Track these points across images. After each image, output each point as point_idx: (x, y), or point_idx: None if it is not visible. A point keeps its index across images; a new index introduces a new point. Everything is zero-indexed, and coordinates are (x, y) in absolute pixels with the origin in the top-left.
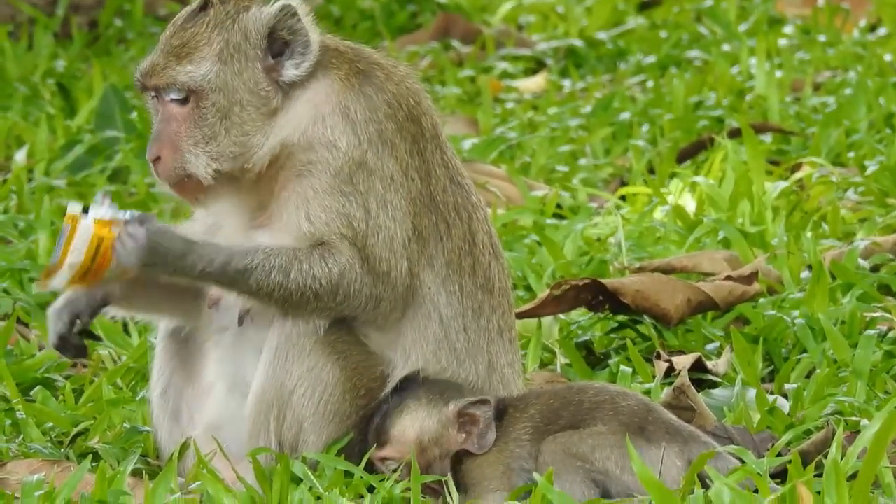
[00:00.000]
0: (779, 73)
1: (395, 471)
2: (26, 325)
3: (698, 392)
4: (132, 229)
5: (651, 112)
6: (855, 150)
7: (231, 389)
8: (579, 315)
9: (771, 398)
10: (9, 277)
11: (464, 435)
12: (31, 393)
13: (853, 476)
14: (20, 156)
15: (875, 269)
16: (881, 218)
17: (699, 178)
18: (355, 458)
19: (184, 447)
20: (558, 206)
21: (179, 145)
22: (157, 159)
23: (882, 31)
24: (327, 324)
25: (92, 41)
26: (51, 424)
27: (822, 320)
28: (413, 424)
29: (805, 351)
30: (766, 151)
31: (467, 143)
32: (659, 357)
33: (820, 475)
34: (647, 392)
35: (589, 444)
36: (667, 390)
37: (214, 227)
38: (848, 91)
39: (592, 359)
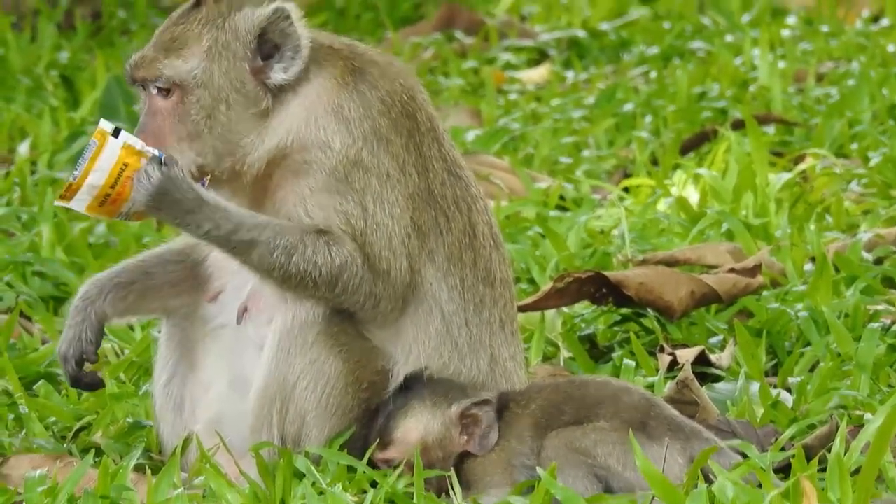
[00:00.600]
0: (782, 64)
1: (397, 467)
2: (29, 319)
3: (702, 386)
4: (150, 168)
5: (654, 103)
6: (858, 141)
7: (231, 386)
8: (583, 308)
9: (774, 392)
10: (12, 270)
11: (466, 436)
12: (34, 387)
13: (857, 471)
14: (23, 148)
15: (879, 261)
16: (885, 210)
17: (702, 170)
18: (357, 452)
19: (186, 442)
20: (561, 197)
21: (164, 139)
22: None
23: (885, 22)
24: (329, 315)
25: (95, 32)
26: (54, 419)
27: (825, 313)
28: (417, 427)
29: (808, 344)
30: (770, 143)
31: (471, 135)
32: (662, 350)
33: (824, 470)
34: (651, 386)
35: (591, 440)
36: (670, 384)
37: None
38: (851, 82)
39: (596, 352)
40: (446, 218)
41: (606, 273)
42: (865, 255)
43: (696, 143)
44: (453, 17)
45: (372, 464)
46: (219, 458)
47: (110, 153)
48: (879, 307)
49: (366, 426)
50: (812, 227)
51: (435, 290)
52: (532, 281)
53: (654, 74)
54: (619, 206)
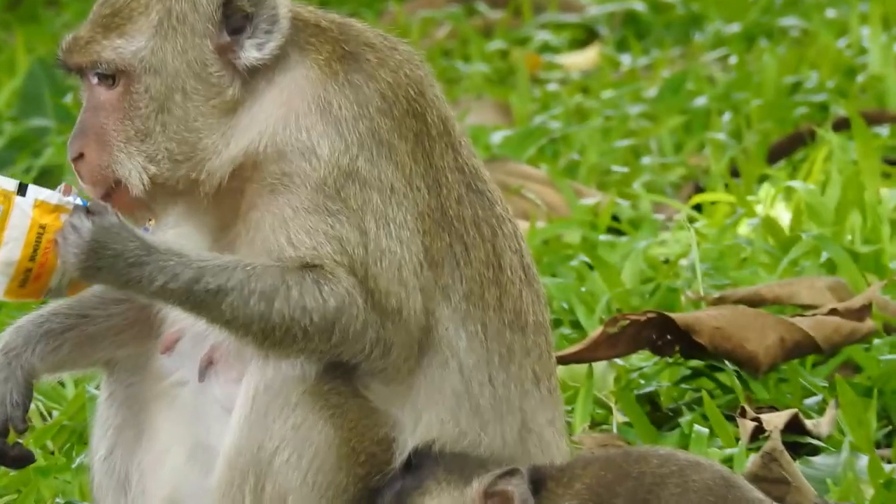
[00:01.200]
0: None
1: None
2: None
3: (794, 460)
4: (76, 220)
5: (734, 97)
6: None
7: (191, 457)
8: (641, 359)
9: (888, 467)
10: None
11: None
12: None
13: None
14: None
15: None
16: None
17: (796, 183)
18: None
19: None
20: (614, 218)
21: (107, 141)
22: (79, 157)
23: None
24: (320, 370)
25: (13, 4)
26: None
27: None
28: None
29: None
30: (883, 148)
31: (497, 136)
32: (744, 414)
33: None
34: (729, 460)
35: None
36: (754, 457)
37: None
38: None
39: (658, 416)
40: (464, 246)
41: (672, 315)
42: None
43: (788, 148)
44: None
45: None
46: None
47: (20, 217)
48: None
49: None
50: None
51: (451, 338)
52: (577, 325)
53: (733, 59)
54: (689, 230)
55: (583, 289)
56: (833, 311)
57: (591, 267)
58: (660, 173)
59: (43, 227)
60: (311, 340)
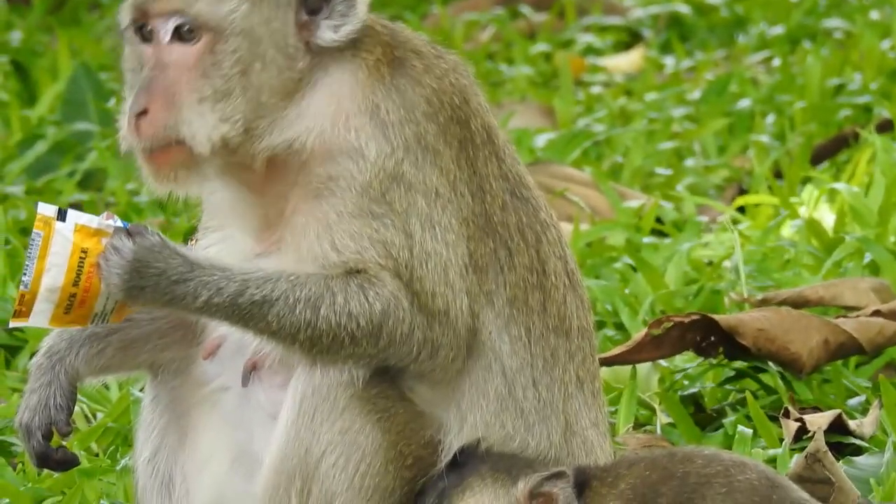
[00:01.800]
0: None
1: None
2: None
3: (838, 460)
4: (117, 241)
5: (778, 99)
6: None
7: (235, 463)
8: (685, 361)
9: None
10: None
11: None
12: None
13: None
14: None
15: None
16: None
17: (839, 185)
18: None
19: None
20: (658, 220)
21: (179, 98)
22: (142, 113)
23: None
24: (367, 374)
25: (56, 7)
26: (7, 501)
27: None
28: None
29: None
30: None
31: (541, 139)
32: (787, 415)
33: None
34: (773, 461)
35: None
36: (797, 458)
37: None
38: None
39: (702, 417)
40: (508, 251)
41: (716, 317)
42: None
43: (832, 150)
44: None
45: None
46: None
47: (62, 243)
48: None
49: None
50: None
51: (494, 342)
52: (620, 327)
53: (777, 61)
54: (733, 231)
55: (627, 291)
56: (876, 313)
57: (634, 269)
58: (703, 175)
59: (85, 251)
60: (359, 345)
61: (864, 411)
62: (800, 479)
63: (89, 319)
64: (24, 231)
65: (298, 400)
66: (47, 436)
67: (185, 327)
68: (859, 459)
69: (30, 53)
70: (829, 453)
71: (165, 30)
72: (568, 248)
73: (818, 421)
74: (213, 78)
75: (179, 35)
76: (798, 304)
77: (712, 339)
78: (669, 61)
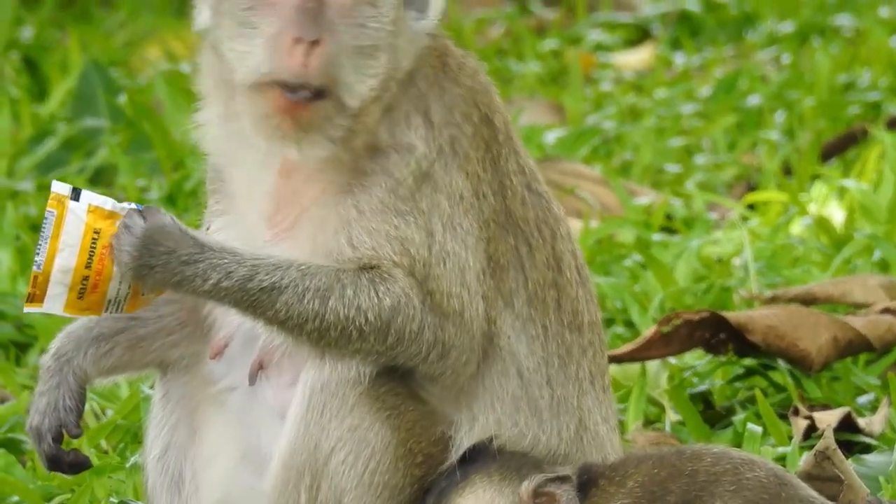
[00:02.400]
0: None
1: None
2: None
3: (847, 458)
4: (129, 220)
5: (787, 95)
6: None
7: (244, 459)
8: (695, 358)
9: None
10: None
11: None
12: None
13: None
14: None
15: None
16: None
17: (849, 182)
18: None
19: None
20: (668, 217)
21: (345, 41)
22: (315, 42)
23: None
24: (377, 371)
25: (66, 3)
26: (17, 499)
27: None
28: None
29: None
30: None
31: (551, 136)
32: (797, 413)
33: None
34: (782, 458)
35: None
36: (807, 456)
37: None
38: None
39: (711, 414)
40: (529, 247)
41: (725, 314)
42: None
43: (841, 146)
44: None
45: None
46: None
47: (74, 223)
48: None
49: None
50: None
51: (513, 345)
52: (630, 324)
53: (786, 58)
54: (742, 228)
55: (636, 288)
56: (886, 310)
57: (644, 266)
58: (713, 172)
59: (97, 231)
60: (367, 340)
61: (874, 409)
62: (809, 476)
63: (103, 307)
64: (35, 227)
65: (308, 396)
66: (58, 438)
67: (194, 324)
68: (868, 457)
69: (40, 49)
70: (839, 451)
71: None
72: (576, 243)
73: (827, 419)
74: (367, 32)
75: None
76: (807, 301)
77: (721, 336)
78: (679, 58)
